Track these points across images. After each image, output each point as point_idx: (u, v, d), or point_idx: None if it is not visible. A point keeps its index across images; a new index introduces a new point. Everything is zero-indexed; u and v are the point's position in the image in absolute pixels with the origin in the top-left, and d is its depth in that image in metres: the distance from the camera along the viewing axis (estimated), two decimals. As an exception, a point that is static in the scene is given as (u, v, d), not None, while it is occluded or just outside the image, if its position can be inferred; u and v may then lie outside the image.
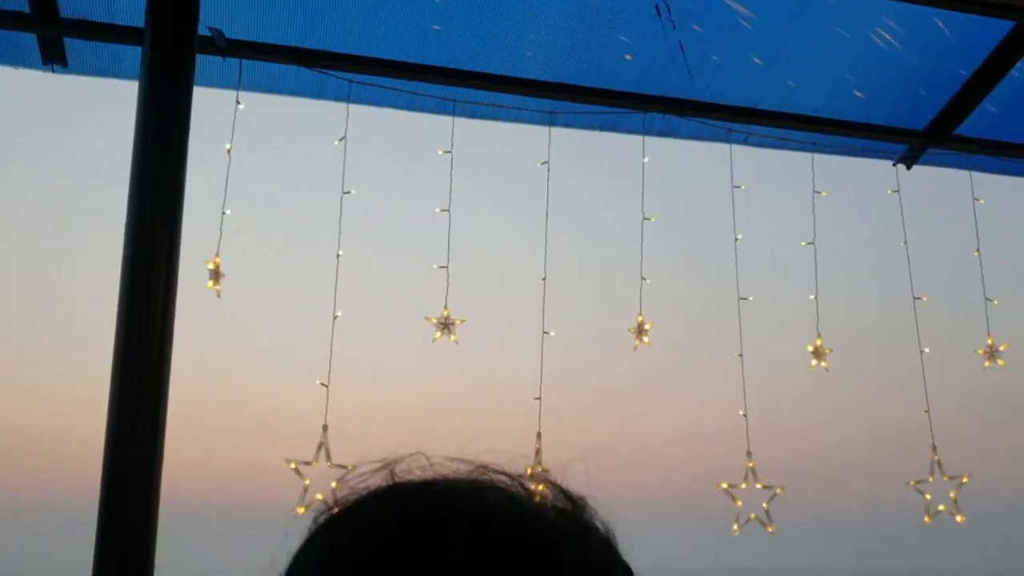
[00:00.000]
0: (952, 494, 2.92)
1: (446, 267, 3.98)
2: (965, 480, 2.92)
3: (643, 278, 3.69)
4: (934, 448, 2.94)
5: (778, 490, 3.04)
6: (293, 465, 3.25)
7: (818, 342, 3.42)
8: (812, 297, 3.64)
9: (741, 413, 3.06)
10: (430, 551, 0.60)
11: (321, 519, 0.67)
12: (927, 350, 3.03)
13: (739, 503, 3.10)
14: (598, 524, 0.67)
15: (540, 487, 0.67)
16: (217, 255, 3.37)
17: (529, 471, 0.69)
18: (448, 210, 3.81)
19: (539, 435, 3.61)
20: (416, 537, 0.61)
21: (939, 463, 2.92)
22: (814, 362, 3.41)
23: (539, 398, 3.68)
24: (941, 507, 2.93)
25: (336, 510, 0.67)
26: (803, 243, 3.77)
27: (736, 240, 3.41)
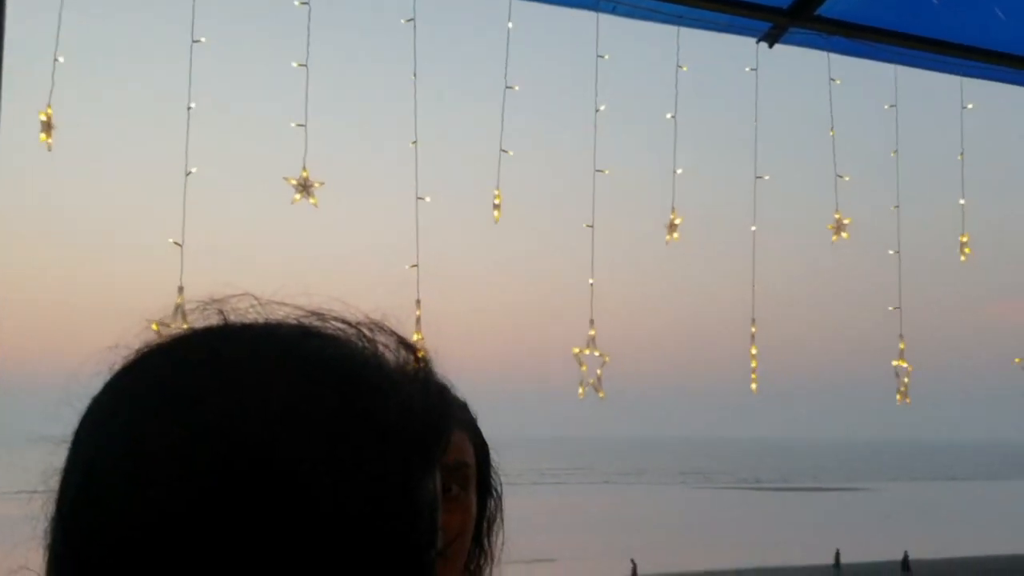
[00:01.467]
0: (753, 364, 3.10)
1: (304, 125, 3.84)
2: (754, 351, 3.11)
3: (503, 150, 3.65)
4: (753, 321, 3.10)
5: (606, 358, 3.17)
6: (155, 327, 3.13)
7: (673, 216, 3.48)
8: (678, 172, 3.69)
9: (590, 282, 3.12)
10: (233, 399, 0.56)
11: (121, 363, 0.62)
12: (754, 228, 3.13)
13: (584, 368, 3.23)
14: (434, 374, 0.65)
15: (378, 336, 0.64)
16: (49, 105, 3.12)
17: (368, 319, 0.66)
18: (306, 65, 3.64)
19: (419, 302, 3.60)
20: (220, 383, 0.56)
21: (753, 336, 3.09)
22: (668, 236, 3.48)
23: (416, 265, 3.65)
24: (753, 376, 3.11)
25: (142, 352, 0.62)
26: (667, 115, 3.80)
27: (597, 111, 3.41)
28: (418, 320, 3.55)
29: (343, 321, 0.64)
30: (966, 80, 3.51)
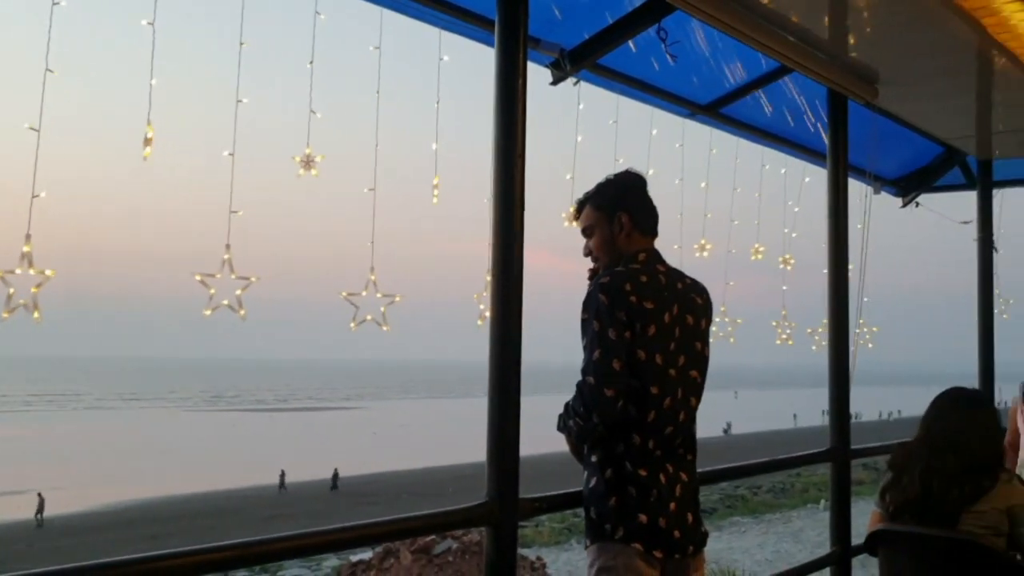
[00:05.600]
0: (239, 292, 3.07)
1: None
2: (253, 279, 3.10)
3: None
4: (227, 247, 3.05)
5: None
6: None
7: (148, 129, 3.21)
8: (153, 82, 3.41)
9: (40, 194, 2.76)
10: None
11: None
12: (227, 153, 3.04)
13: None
14: None
15: None
16: None
17: None
18: None
19: None
20: None
21: (229, 262, 3.05)
22: (147, 150, 3.23)
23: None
24: (225, 301, 3.06)
25: None
26: (144, 22, 3.48)
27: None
28: None
29: None
30: (445, 33, 3.73)
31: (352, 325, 3.51)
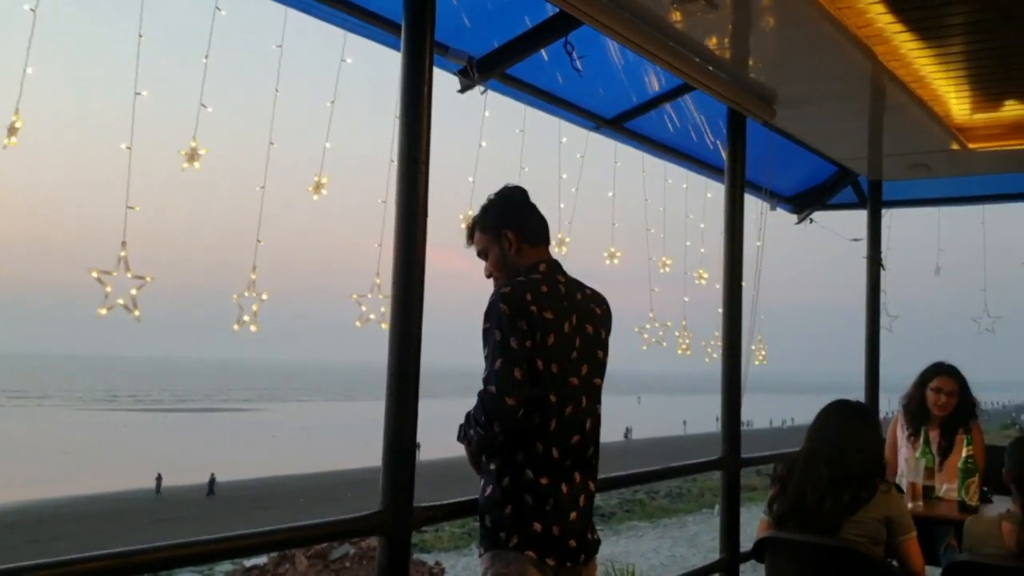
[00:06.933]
0: (134, 291, 2.97)
1: None
2: (148, 279, 3.01)
3: None
4: (123, 244, 2.95)
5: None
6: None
7: (15, 119, 3.05)
8: (28, 71, 3.25)
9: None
10: None
11: None
12: (124, 146, 2.94)
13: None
14: None
15: None
16: None
17: None
18: None
19: None
20: None
21: (125, 259, 2.95)
22: (12, 139, 3.07)
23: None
24: (120, 300, 2.96)
25: None
26: (27, 7, 3.33)
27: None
28: None
29: None
30: (350, 36, 3.69)
31: (235, 327, 3.44)
